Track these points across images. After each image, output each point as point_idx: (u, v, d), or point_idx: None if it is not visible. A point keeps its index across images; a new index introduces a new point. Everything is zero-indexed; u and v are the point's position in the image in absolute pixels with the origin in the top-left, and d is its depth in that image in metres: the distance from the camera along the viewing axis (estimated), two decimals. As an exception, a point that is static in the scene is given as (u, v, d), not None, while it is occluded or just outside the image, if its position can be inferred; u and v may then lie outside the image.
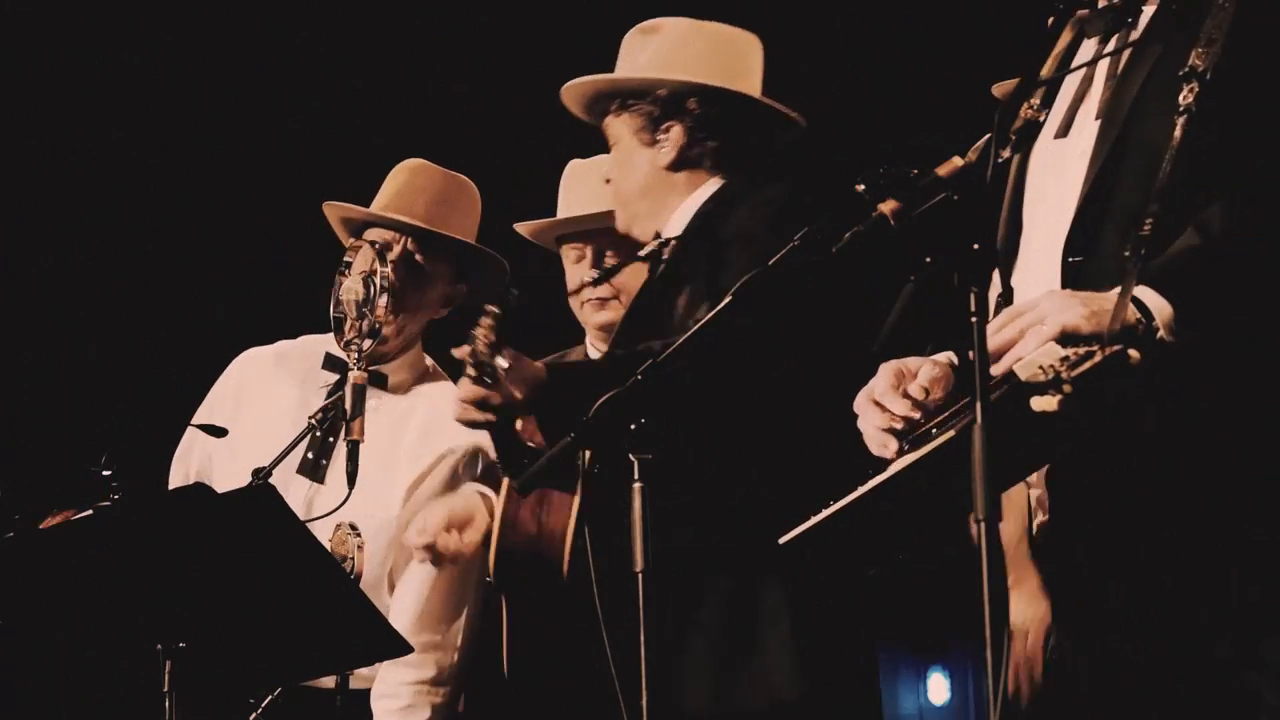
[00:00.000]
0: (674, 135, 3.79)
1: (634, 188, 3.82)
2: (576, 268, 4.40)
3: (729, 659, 3.23)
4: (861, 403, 2.81)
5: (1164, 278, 2.58)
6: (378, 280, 3.42)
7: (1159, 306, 2.58)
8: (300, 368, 4.47)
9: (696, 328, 3.00)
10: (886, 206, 2.70)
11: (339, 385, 4.34)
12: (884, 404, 2.77)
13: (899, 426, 2.74)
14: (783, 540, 2.76)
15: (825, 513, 2.72)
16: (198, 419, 4.45)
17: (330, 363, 4.40)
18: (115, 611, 3.56)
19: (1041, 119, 2.91)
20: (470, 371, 3.36)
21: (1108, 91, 2.83)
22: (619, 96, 3.84)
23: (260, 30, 5.99)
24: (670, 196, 3.79)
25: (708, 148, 3.79)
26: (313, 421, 4.01)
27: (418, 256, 4.32)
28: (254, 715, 3.81)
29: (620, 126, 3.84)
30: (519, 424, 3.69)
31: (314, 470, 4.30)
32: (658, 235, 3.82)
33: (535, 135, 5.08)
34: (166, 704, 3.50)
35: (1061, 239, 2.77)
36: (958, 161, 2.70)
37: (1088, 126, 2.83)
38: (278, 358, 4.52)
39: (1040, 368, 2.48)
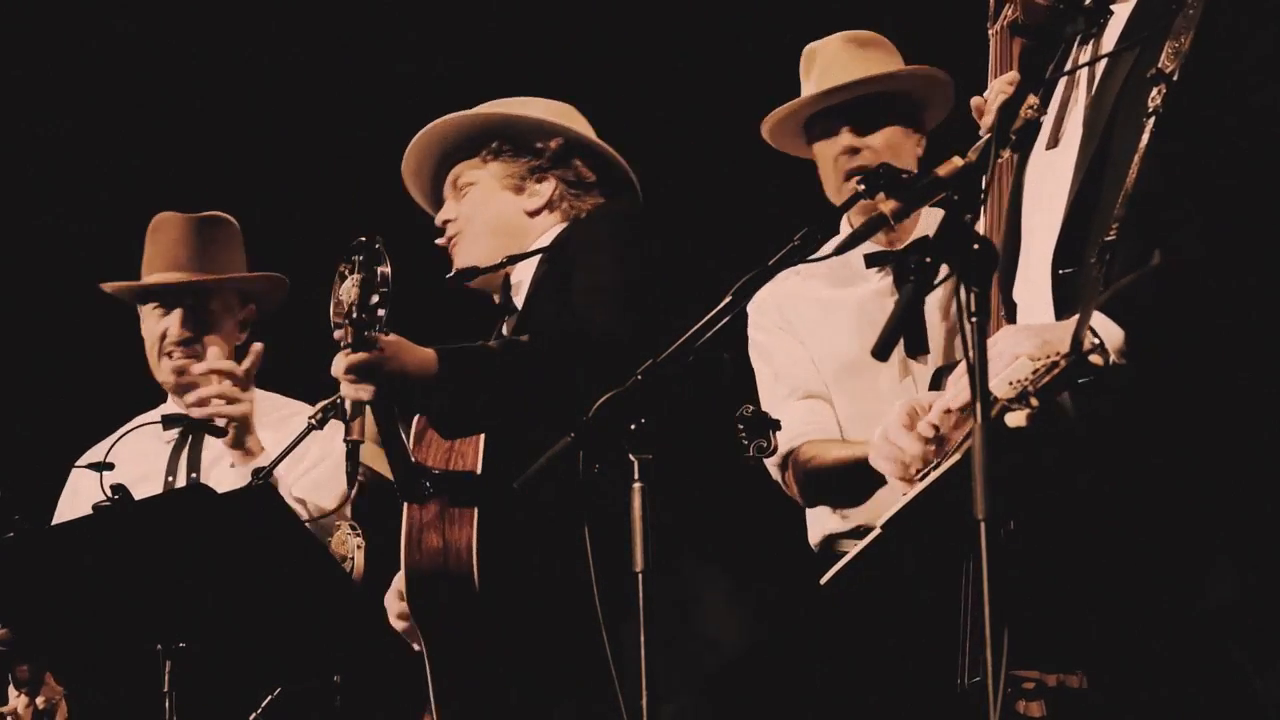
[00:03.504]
0: (546, 185, 3.88)
1: (489, 227, 3.88)
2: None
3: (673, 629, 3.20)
4: (877, 441, 2.82)
5: (1117, 303, 2.59)
6: (376, 281, 3.41)
7: (1110, 332, 2.58)
8: (141, 439, 4.46)
9: (695, 328, 2.99)
10: (886, 206, 2.70)
11: (184, 437, 4.47)
12: (897, 442, 2.78)
13: (914, 463, 2.76)
14: (823, 581, 2.78)
15: (854, 551, 2.73)
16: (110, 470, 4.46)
17: (169, 422, 4.50)
18: (115, 611, 3.56)
19: (1042, 121, 2.91)
20: (348, 341, 3.36)
21: (1089, 99, 2.83)
22: (500, 139, 3.91)
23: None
24: (522, 239, 3.86)
25: (572, 202, 3.85)
26: (312, 422, 4.02)
27: (201, 305, 4.49)
28: (254, 716, 3.81)
29: (483, 172, 3.91)
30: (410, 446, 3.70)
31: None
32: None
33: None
34: (166, 704, 3.50)
35: (1048, 251, 2.77)
36: (957, 161, 2.70)
37: (1074, 136, 2.82)
38: (116, 446, 4.42)
39: (1010, 383, 2.49)
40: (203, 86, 6.01)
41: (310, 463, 4.28)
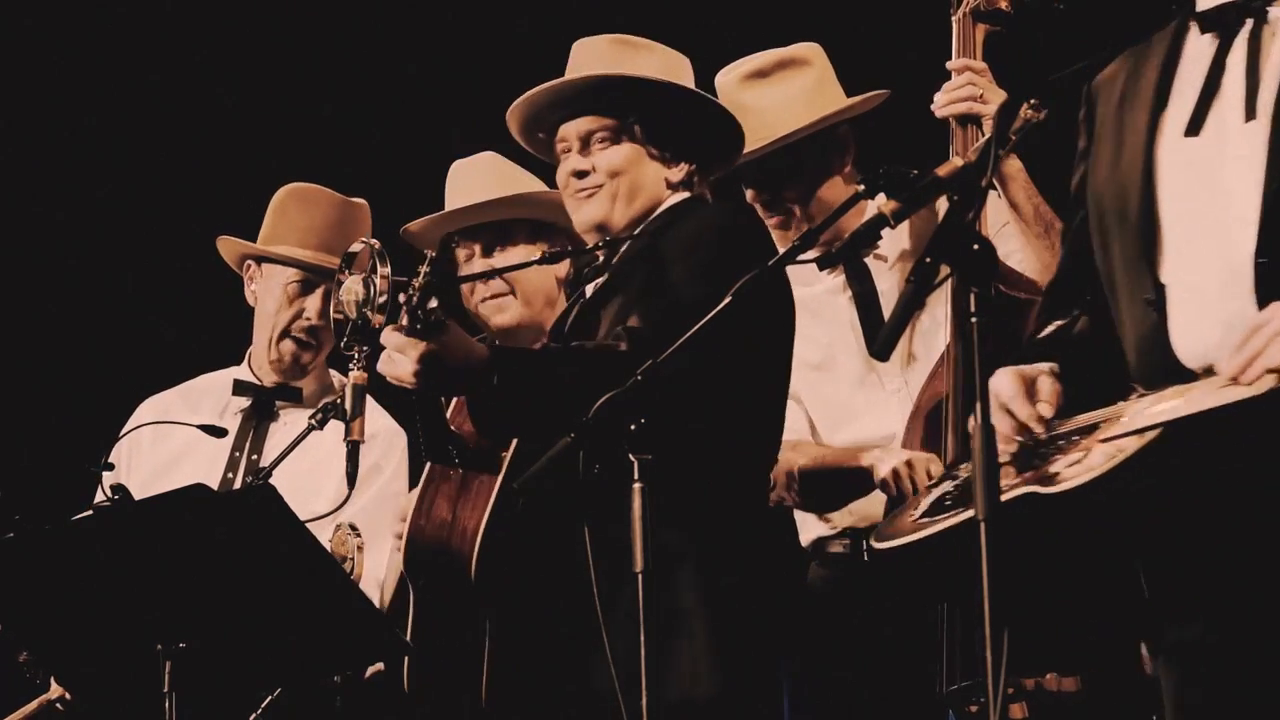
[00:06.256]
0: (687, 163, 3.78)
1: (633, 187, 3.76)
2: (467, 267, 4.34)
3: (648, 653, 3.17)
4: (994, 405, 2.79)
5: None
6: (377, 281, 3.41)
7: None
8: (211, 398, 4.54)
9: (695, 328, 2.99)
10: (886, 206, 2.70)
11: (254, 409, 4.49)
12: (1012, 409, 2.78)
13: (1020, 434, 2.76)
14: (880, 547, 2.76)
15: (931, 530, 2.72)
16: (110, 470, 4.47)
17: (240, 388, 4.52)
18: (115, 612, 3.56)
19: (1040, 121, 2.91)
20: (403, 319, 3.32)
21: (1259, 92, 2.80)
22: (646, 105, 3.76)
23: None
24: (655, 205, 3.78)
25: (701, 185, 3.80)
26: (312, 422, 4.02)
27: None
28: (254, 716, 3.81)
29: (624, 133, 3.77)
30: (448, 411, 3.67)
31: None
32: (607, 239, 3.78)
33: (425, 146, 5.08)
34: (166, 704, 3.50)
35: (1228, 239, 2.76)
36: (957, 162, 2.70)
37: (1231, 127, 2.81)
38: (184, 394, 4.60)
39: None
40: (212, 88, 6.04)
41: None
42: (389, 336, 3.33)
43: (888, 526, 2.90)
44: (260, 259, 4.54)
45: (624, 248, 3.72)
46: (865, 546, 3.96)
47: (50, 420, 5.74)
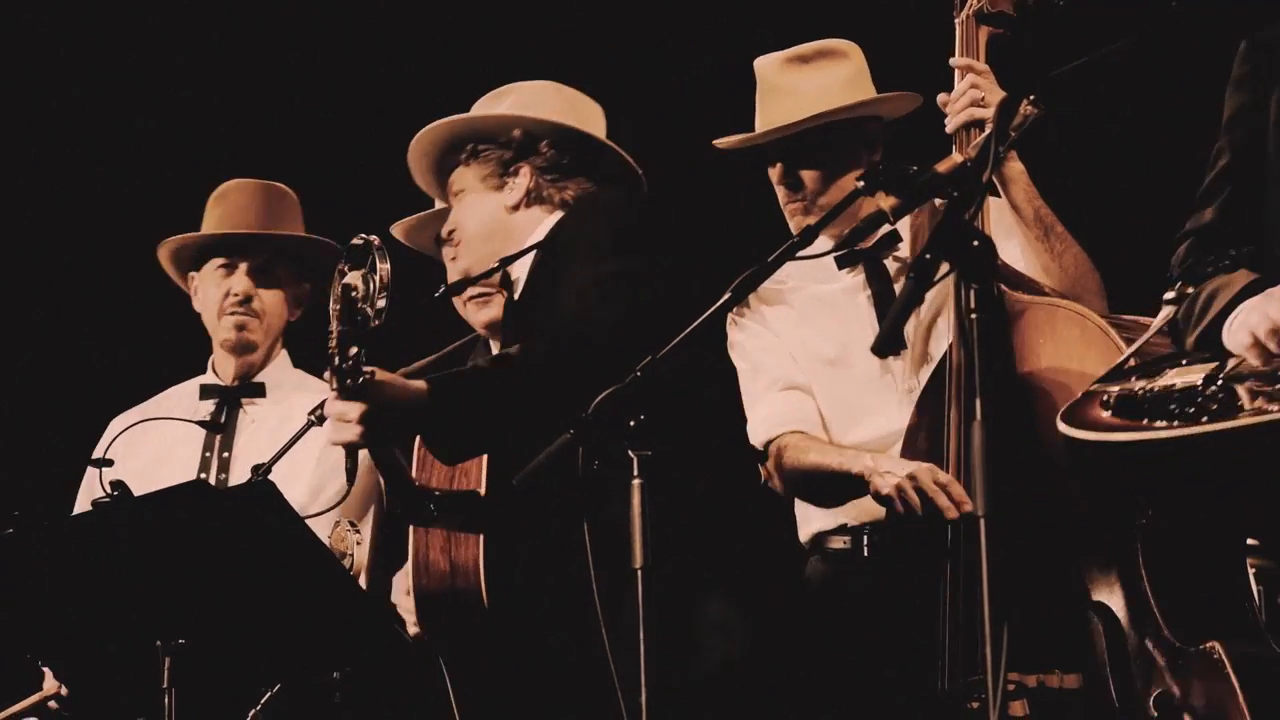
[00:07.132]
0: (522, 177, 3.86)
1: (477, 232, 3.88)
2: (455, 264, 4.40)
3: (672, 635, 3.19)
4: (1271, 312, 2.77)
5: None
6: (377, 277, 3.41)
7: None
8: (180, 409, 4.57)
9: (695, 324, 2.99)
10: (885, 202, 2.70)
11: (219, 409, 4.53)
12: None
13: None
14: (1084, 436, 2.70)
15: (1175, 432, 2.68)
16: (85, 488, 4.51)
17: (206, 392, 4.57)
18: (114, 608, 3.56)
19: (1040, 117, 2.91)
20: (332, 383, 3.36)
21: None
22: (472, 141, 3.90)
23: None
24: (512, 236, 3.85)
25: (554, 190, 3.84)
26: (311, 419, 4.02)
27: (267, 267, 4.54)
28: (254, 712, 3.81)
29: (468, 176, 3.91)
30: (411, 470, 3.71)
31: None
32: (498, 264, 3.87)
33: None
34: (166, 701, 3.51)
35: None
36: (957, 158, 2.70)
37: None
38: (154, 408, 4.62)
39: None
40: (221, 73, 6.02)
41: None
42: (330, 406, 3.39)
43: (1079, 410, 2.82)
44: (192, 255, 4.62)
45: (529, 265, 3.79)
46: (867, 541, 3.96)
47: (48, 421, 5.73)
